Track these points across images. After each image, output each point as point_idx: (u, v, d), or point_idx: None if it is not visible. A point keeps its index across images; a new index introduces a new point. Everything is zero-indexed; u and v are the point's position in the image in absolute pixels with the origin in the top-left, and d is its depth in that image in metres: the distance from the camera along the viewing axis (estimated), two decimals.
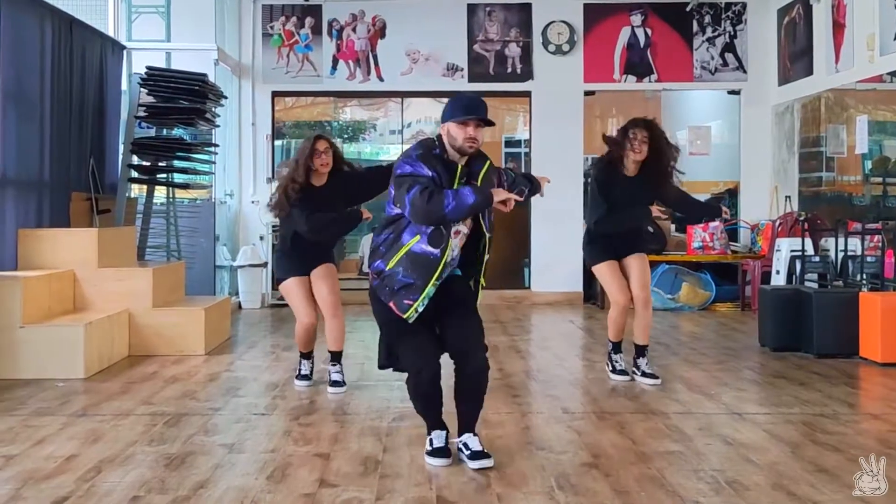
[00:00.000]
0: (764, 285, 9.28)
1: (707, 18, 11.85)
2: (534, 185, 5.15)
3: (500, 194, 4.30)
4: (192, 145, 9.49)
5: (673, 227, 12.14)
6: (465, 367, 4.38)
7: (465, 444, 4.41)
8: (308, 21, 11.81)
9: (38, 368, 6.51)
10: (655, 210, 6.38)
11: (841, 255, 8.84)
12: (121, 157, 9.26)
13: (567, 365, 7.12)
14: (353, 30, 11.84)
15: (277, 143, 12.39)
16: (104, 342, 6.98)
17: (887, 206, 12.45)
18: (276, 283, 6.35)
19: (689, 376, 6.68)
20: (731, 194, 12.51)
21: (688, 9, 11.74)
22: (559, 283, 11.70)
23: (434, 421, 4.47)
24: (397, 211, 4.40)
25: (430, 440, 4.45)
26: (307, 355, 6.45)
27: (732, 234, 11.84)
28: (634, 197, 6.31)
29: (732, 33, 11.85)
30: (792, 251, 9.72)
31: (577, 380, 6.59)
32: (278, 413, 5.55)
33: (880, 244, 8.50)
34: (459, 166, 4.41)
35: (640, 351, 6.51)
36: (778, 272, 10.09)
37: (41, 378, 6.45)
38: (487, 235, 4.49)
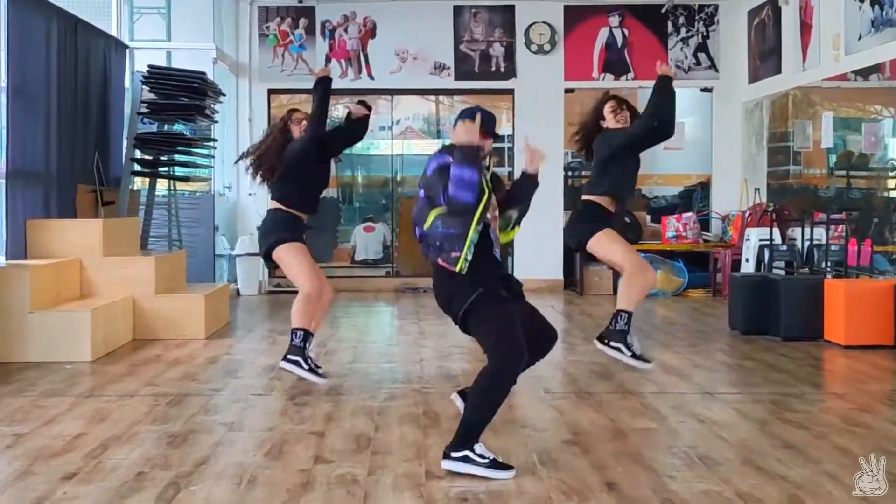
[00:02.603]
0: (734, 272, 9.33)
1: (681, 20, 11.86)
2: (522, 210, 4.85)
3: None
4: (192, 140, 9.47)
5: (648, 217, 12.19)
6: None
7: None
8: (302, 22, 11.76)
9: (47, 352, 6.49)
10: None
11: (807, 244, 8.89)
12: (124, 151, 9.23)
13: None
14: (345, 30, 11.80)
15: None
16: (109, 327, 6.96)
17: (850, 198, 12.55)
18: (268, 252, 5.63)
19: (664, 358, 6.70)
20: (704, 187, 12.55)
21: (663, 10, 11.73)
22: (541, 270, 11.69)
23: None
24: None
25: (491, 456, 3.96)
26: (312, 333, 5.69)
27: (704, 224, 11.88)
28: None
29: (705, 34, 11.87)
30: (760, 240, 9.75)
31: (559, 362, 6.58)
32: (275, 394, 5.56)
33: (843, 234, 8.56)
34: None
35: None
36: (747, 260, 10.12)
37: (49, 361, 6.43)
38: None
